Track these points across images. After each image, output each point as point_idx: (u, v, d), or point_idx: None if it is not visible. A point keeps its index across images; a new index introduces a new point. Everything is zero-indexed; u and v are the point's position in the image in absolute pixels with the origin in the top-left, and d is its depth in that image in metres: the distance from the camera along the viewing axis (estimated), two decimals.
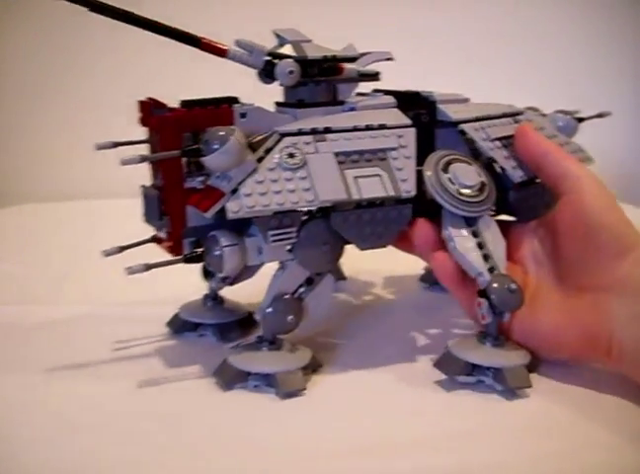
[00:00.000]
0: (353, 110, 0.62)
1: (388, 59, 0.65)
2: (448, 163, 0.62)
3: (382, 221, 0.60)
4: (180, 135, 0.57)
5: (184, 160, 0.57)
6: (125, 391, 0.58)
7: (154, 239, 0.63)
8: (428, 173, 0.61)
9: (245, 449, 0.51)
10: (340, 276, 0.82)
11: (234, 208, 0.54)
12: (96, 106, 1.33)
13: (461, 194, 0.60)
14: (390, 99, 0.64)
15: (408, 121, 0.61)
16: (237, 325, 0.69)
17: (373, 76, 0.64)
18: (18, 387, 0.59)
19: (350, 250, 0.61)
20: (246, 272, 0.63)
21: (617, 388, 0.57)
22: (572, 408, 0.55)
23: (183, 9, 1.06)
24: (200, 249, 0.58)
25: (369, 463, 0.50)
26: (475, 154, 0.65)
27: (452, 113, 0.65)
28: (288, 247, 0.59)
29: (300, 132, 0.58)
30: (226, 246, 0.57)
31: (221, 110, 0.59)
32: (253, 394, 0.58)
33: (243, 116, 0.59)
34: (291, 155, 0.57)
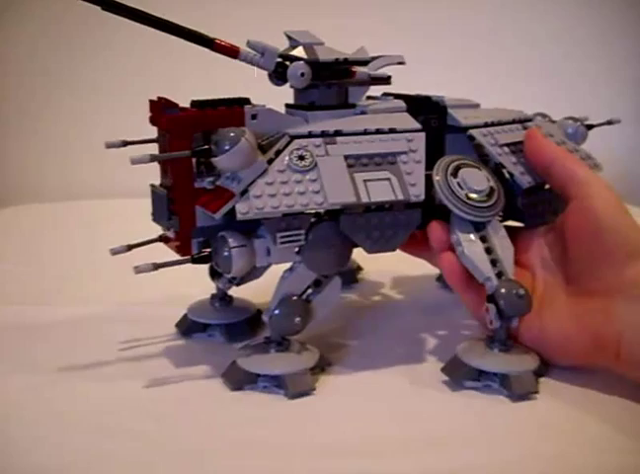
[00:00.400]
0: (363, 113, 0.61)
1: (400, 63, 0.63)
2: (458, 168, 0.60)
3: (391, 225, 0.58)
4: (190, 135, 0.55)
5: (194, 160, 0.56)
6: (132, 392, 0.57)
7: (161, 238, 0.61)
8: (437, 177, 0.59)
9: (253, 449, 0.50)
10: (353, 279, 0.81)
11: (243, 209, 0.53)
12: (100, 105, 1.31)
13: (470, 198, 0.58)
14: (400, 103, 0.62)
15: (418, 126, 0.59)
16: (246, 324, 0.67)
17: (385, 80, 0.63)
18: (21, 387, 0.58)
19: (359, 250, 0.59)
20: (253, 272, 0.62)
21: (621, 389, 0.55)
22: (576, 409, 0.54)
23: (192, 9, 1.05)
24: (209, 249, 0.57)
25: (376, 463, 0.48)
26: (484, 160, 0.64)
27: (462, 118, 0.63)
28: (296, 249, 0.57)
29: (311, 135, 0.56)
30: (235, 247, 0.55)
31: (232, 110, 0.57)
32: (262, 394, 0.56)
33: (254, 117, 0.57)
34: (301, 157, 0.55)
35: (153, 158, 0.53)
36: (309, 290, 0.59)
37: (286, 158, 0.55)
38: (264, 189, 0.53)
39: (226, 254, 0.55)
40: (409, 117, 0.61)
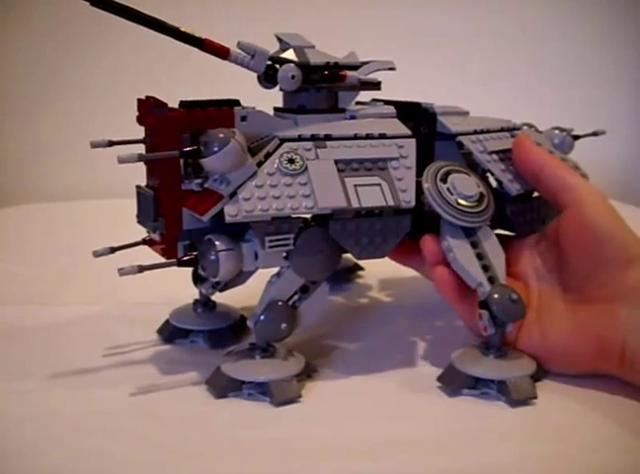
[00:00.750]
0: (353, 118, 0.58)
1: (390, 69, 0.61)
2: (447, 173, 0.58)
3: (381, 231, 0.56)
4: (179, 135, 0.53)
5: (181, 161, 0.53)
6: (120, 395, 0.55)
7: (145, 241, 0.58)
8: (426, 184, 0.57)
9: (241, 452, 0.48)
10: (346, 278, 0.80)
11: (232, 212, 0.50)
12: (96, 106, 1.30)
13: (460, 204, 0.57)
14: (391, 109, 0.60)
15: (408, 132, 0.58)
16: (229, 331, 0.64)
17: (375, 85, 0.60)
18: (17, 388, 0.56)
19: None
20: (238, 278, 0.60)
21: (619, 390, 0.54)
22: (573, 410, 0.53)
23: (183, 9, 1.04)
24: (195, 253, 0.54)
25: (365, 465, 0.47)
26: (472, 168, 0.62)
27: (452, 125, 0.62)
28: (285, 254, 0.55)
29: (301, 138, 0.54)
30: (222, 250, 0.52)
31: (222, 112, 0.54)
32: (248, 401, 0.54)
33: (244, 119, 0.55)
34: (291, 161, 0.53)
35: (141, 158, 0.50)
36: (296, 296, 0.56)
37: (276, 161, 0.52)
38: (253, 191, 0.51)
39: (213, 257, 0.52)
40: (399, 122, 0.59)
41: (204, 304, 0.66)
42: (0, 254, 0.93)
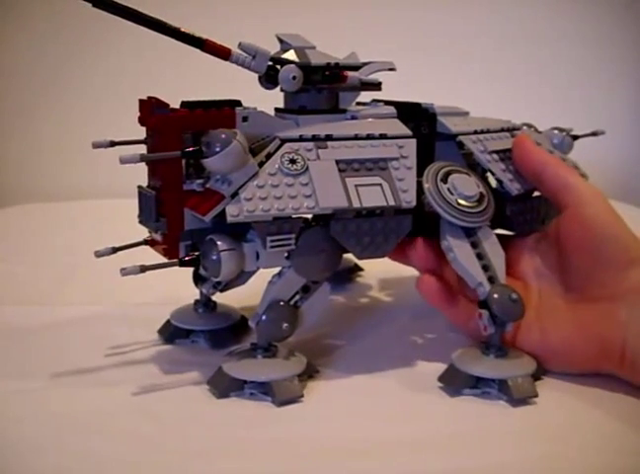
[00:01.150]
0: (354, 118, 0.59)
1: (391, 69, 0.62)
2: (448, 174, 0.58)
3: (382, 231, 0.56)
4: (180, 136, 0.53)
5: (183, 162, 0.54)
6: (121, 395, 0.55)
7: (147, 242, 0.59)
8: (427, 183, 0.57)
9: (243, 452, 0.48)
10: (347, 279, 0.80)
11: (234, 212, 0.50)
12: (97, 106, 1.30)
13: (460, 204, 0.57)
14: (391, 109, 0.60)
15: (409, 132, 0.58)
16: (230, 331, 0.64)
17: (376, 86, 0.60)
18: (17, 388, 0.56)
19: None
20: (238, 278, 0.60)
21: (621, 388, 0.54)
22: (575, 409, 0.53)
23: (184, 9, 1.04)
24: (197, 253, 0.54)
25: (367, 465, 0.47)
26: (473, 168, 0.62)
27: (452, 125, 0.62)
28: (286, 254, 0.55)
29: (302, 139, 0.54)
30: (224, 250, 0.52)
31: (223, 112, 0.55)
32: (249, 401, 0.54)
33: (245, 119, 0.55)
34: (293, 161, 0.53)
35: (143, 158, 0.50)
36: (297, 296, 0.56)
37: (278, 161, 0.52)
38: (255, 191, 0.51)
39: (215, 257, 0.53)
40: (400, 123, 0.59)
41: (205, 304, 0.66)
42: (0, 254, 0.93)
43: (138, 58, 1.28)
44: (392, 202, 0.54)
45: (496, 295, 0.54)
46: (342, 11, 1.29)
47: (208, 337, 0.64)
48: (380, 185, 0.55)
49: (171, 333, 0.65)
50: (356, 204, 0.53)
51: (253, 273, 0.59)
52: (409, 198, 0.55)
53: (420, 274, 0.63)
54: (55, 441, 0.49)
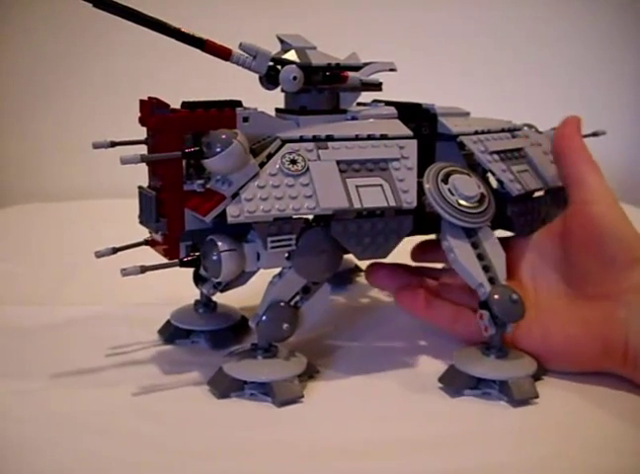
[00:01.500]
0: (354, 119, 0.58)
1: (391, 70, 0.62)
2: (448, 174, 0.58)
3: (382, 232, 0.56)
4: (181, 136, 0.53)
5: (184, 162, 0.54)
6: (121, 395, 0.55)
7: (147, 242, 0.59)
8: (427, 184, 0.57)
9: (243, 452, 0.48)
10: (348, 280, 0.80)
11: (234, 213, 0.50)
12: (97, 106, 1.30)
13: (461, 204, 0.57)
14: (392, 110, 0.60)
15: (410, 133, 0.58)
16: (230, 331, 0.64)
17: (376, 86, 0.61)
18: (17, 388, 0.56)
19: None
20: (239, 278, 0.60)
21: (623, 386, 0.55)
22: (576, 409, 0.53)
23: (184, 10, 1.04)
24: (197, 253, 0.54)
25: (367, 465, 0.47)
26: (473, 168, 0.62)
27: (453, 126, 0.62)
28: (286, 254, 0.55)
29: (302, 139, 0.54)
30: (224, 251, 0.52)
31: (224, 113, 0.55)
32: (250, 402, 0.54)
33: (245, 120, 0.55)
34: (293, 161, 0.53)
35: (143, 158, 0.50)
36: (298, 297, 0.56)
37: (278, 162, 0.52)
38: (255, 192, 0.51)
39: (215, 258, 0.52)
40: (400, 123, 0.59)
41: (206, 305, 0.66)
42: (0, 254, 0.93)
43: (139, 58, 1.28)
44: (393, 203, 0.54)
45: (496, 296, 0.54)
46: (342, 11, 1.29)
47: (209, 337, 0.64)
48: (381, 185, 0.55)
49: (171, 333, 0.65)
50: (356, 205, 0.53)
51: (253, 273, 0.59)
52: (410, 199, 0.55)
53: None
54: (55, 441, 0.49)
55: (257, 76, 0.57)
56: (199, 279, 0.63)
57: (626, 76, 1.36)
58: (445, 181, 0.58)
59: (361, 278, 0.82)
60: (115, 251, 0.57)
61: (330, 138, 0.55)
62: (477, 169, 0.62)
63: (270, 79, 0.56)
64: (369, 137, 0.56)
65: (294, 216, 0.53)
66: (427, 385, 0.56)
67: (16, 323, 0.68)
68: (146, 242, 0.59)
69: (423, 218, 0.58)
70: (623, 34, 1.34)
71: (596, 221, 0.57)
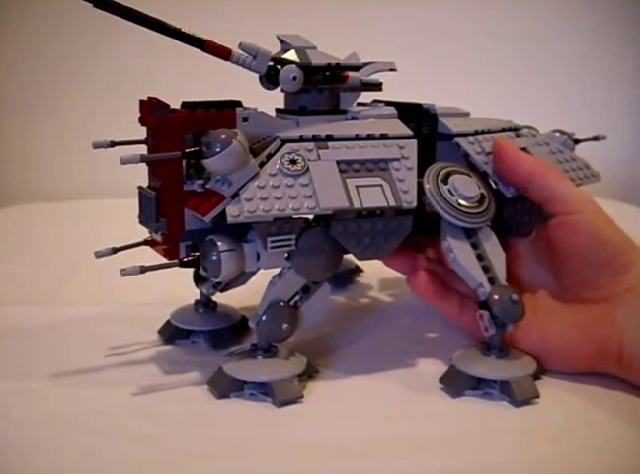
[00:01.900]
0: (355, 119, 0.58)
1: (391, 70, 0.62)
2: (448, 174, 0.58)
3: (382, 232, 0.56)
4: (181, 136, 0.53)
5: (183, 162, 0.54)
6: (121, 395, 0.55)
7: (147, 242, 0.59)
8: (427, 184, 0.57)
9: (243, 452, 0.48)
10: (348, 280, 0.80)
11: (234, 213, 0.50)
12: (97, 106, 1.30)
13: (461, 205, 0.57)
14: (392, 109, 0.60)
15: (410, 133, 0.58)
16: (230, 331, 0.64)
17: (377, 86, 0.61)
18: (17, 388, 0.56)
19: None
20: (239, 278, 0.60)
21: (622, 386, 0.55)
22: (577, 409, 0.53)
23: (184, 10, 1.04)
24: (197, 253, 0.54)
25: (367, 465, 0.47)
26: (473, 168, 0.61)
27: (453, 126, 0.61)
28: (286, 254, 0.55)
29: (302, 139, 0.54)
30: (224, 251, 0.52)
31: (223, 112, 0.55)
32: (249, 402, 0.54)
33: (245, 119, 0.55)
34: (293, 161, 0.53)
35: (143, 158, 0.50)
36: (297, 297, 0.56)
37: (278, 162, 0.52)
38: (255, 192, 0.51)
39: (215, 258, 0.52)
40: (400, 123, 0.59)
41: (206, 305, 0.66)
42: (0, 254, 0.93)
43: (139, 58, 1.28)
44: (393, 203, 0.54)
45: (496, 296, 0.54)
46: (342, 11, 1.29)
47: (209, 337, 0.64)
48: (381, 185, 0.55)
49: (171, 333, 0.65)
50: (356, 205, 0.53)
51: (253, 273, 0.59)
52: (410, 199, 0.55)
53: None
54: (55, 441, 0.48)
55: (257, 76, 0.57)
56: (198, 279, 0.63)
57: (626, 76, 1.36)
58: (445, 181, 0.58)
59: (362, 279, 0.82)
60: (114, 251, 0.57)
61: (330, 138, 0.55)
62: (477, 169, 0.62)
63: (270, 79, 0.56)
64: (369, 137, 0.56)
65: (294, 216, 0.53)
66: (427, 385, 0.56)
67: (16, 323, 0.68)
68: (146, 242, 0.59)
69: (423, 218, 0.58)
70: (623, 34, 1.34)
71: (581, 231, 0.56)
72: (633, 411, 0.52)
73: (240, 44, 0.54)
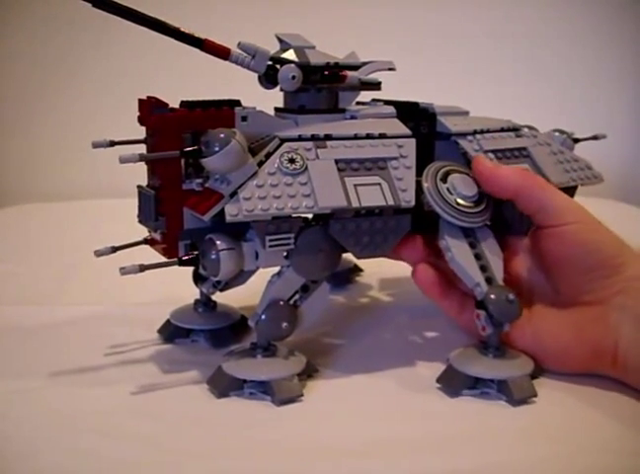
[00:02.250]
0: (353, 118, 0.59)
1: (390, 69, 0.62)
2: (447, 173, 0.58)
3: (381, 231, 0.56)
4: (179, 135, 0.53)
5: (182, 161, 0.54)
6: (121, 394, 0.55)
7: (146, 241, 0.59)
8: (426, 184, 0.57)
9: (243, 451, 0.48)
10: (347, 279, 0.80)
11: (233, 212, 0.50)
12: (97, 106, 1.30)
13: (459, 204, 0.57)
14: (391, 109, 0.60)
15: (408, 132, 0.58)
16: (230, 330, 0.64)
17: (375, 85, 0.61)
18: (17, 387, 0.56)
19: None
20: (238, 278, 0.60)
21: (619, 387, 0.55)
22: (575, 409, 0.53)
23: (183, 9, 1.04)
24: (196, 252, 0.54)
25: (366, 465, 0.47)
26: (471, 167, 0.61)
27: (452, 125, 0.62)
28: (285, 253, 0.55)
29: (301, 138, 0.54)
30: (223, 249, 0.52)
31: (223, 112, 0.55)
32: (249, 400, 0.54)
33: (244, 119, 0.55)
34: (292, 160, 0.53)
35: (142, 157, 0.51)
36: (297, 295, 0.56)
37: (277, 161, 0.52)
38: (254, 191, 0.51)
39: (214, 256, 0.53)
40: (399, 122, 0.59)
41: (205, 304, 0.66)
42: (0, 254, 0.93)
43: (138, 58, 1.28)
44: (391, 202, 0.54)
45: (493, 296, 0.54)
46: (342, 11, 1.29)
47: (208, 336, 0.64)
48: (379, 184, 0.55)
49: (171, 332, 0.65)
50: (355, 204, 0.53)
51: (253, 272, 0.60)
52: (408, 198, 0.55)
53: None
54: (55, 441, 0.49)
55: (256, 75, 0.57)
56: (198, 279, 0.64)
57: (626, 76, 1.36)
58: (444, 180, 0.58)
59: (361, 278, 0.82)
60: (114, 250, 0.57)
61: (329, 137, 0.55)
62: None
63: (268, 78, 0.56)
64: (368, 136, 0.56)
65: (293, 215, 0.53)
66: (426, 385, 0.56)
67: (16, 323, 0.68)
68: (145, 241, 0.59)
69: (421, 217, 0.58)
70: (623, 34, 1.34)
71: (570, 241, 0.56)
72: (629, 411, 0.52)
73: (239, 44, 0.54)
